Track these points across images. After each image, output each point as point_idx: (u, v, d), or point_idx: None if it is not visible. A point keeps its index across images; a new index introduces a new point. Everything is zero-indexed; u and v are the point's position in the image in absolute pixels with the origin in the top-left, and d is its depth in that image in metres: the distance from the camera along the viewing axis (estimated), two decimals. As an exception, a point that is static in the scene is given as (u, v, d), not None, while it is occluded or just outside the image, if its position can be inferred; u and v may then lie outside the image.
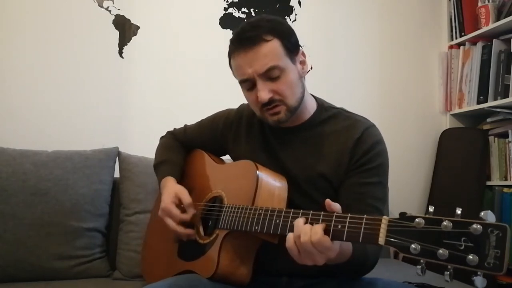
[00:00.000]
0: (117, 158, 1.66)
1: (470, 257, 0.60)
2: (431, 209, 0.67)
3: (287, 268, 1.03)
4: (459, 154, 2.11)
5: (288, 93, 1.01)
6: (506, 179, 1.97)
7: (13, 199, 1.46)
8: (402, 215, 0.69)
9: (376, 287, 0.98)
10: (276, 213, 0.91)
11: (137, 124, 1.90)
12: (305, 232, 0.79)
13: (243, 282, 1.02)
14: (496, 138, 2.03)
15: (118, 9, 1.91)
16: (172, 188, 1.17)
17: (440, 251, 0.62)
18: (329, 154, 1.05)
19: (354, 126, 1.06)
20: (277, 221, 0.89)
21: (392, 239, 0.69)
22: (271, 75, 0.99)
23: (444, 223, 0.63)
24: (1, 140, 1.62)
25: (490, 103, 2.01)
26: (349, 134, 1.05)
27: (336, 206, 0.82)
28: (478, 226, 0.60)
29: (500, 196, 1.95)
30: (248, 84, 1.02)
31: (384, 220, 0.72)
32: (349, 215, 0.78)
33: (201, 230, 1.12)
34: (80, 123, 1.84)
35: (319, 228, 0.78)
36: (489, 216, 0.61)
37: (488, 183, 2.02)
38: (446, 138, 2.20)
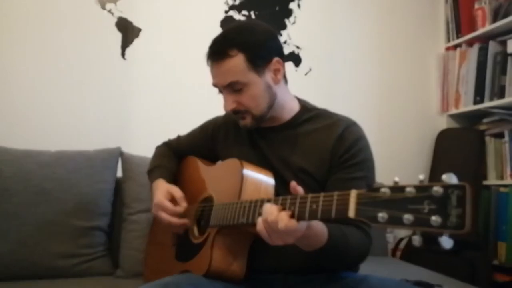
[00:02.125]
0: (119, 158, 1.68)
1: (433, 218, 0.60)
2: (396, 179, 0.69)
3: (283, 264, 1.06)
4: (456, 154, 2.12)
5: (252, 105, 1.07)
6: (502, 179, 1.98)
7: (16, 198, 1.47)
8: (369, 186, 0.72)
9: (371, 284, 0.98)
10: (259, 203, 0.92)
11: (139, 125, 1.91)
12: (271, 213, 0.82)
13: (237, 278, 1.03)
14: (492, 138, 2.04)
15: (121, 12, 1.93)
16: (163, 186, 1.20)
17: (406, 215, 0.63)
18: (310, 151, 1.09)
19: (335, 125, 1.09)
20: (260, 210, 0.89)
21: (361, 211, 0.71)
22: (234, 87, 1.05)
23: (408, 189, 0.64)
24: (4, 140, 1.63)
25: (486, 104, 2.03)
26: (330, 132, 1.08)
27: (300, 190, 0.85)
28: (440, 188, 0.61)
29: (496, 195, 1.96)
30: (218, 89, 1.10)
31: (353, 193, 0.74)
32: (322, 194, 0.80)
33: (195, 231, 1.14)
34: (83, 124, 1.86)
35: (284, 214, 0.81)
36: (452, 178, 0.62)
37: (485, 182, 2.03)
38: (443, 138, 2.22)
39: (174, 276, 1.03)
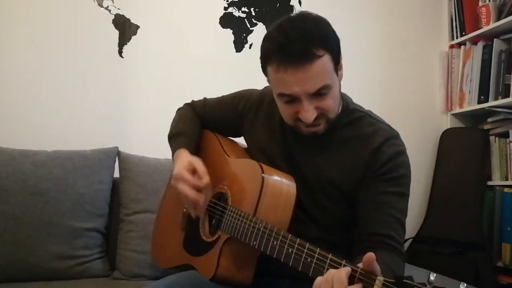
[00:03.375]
0: (116, 158, 1.66)
1: None
2: (432, 277, 0.60)
3: (290, 270, 1.03)
4: (460, 154, 2.11)
5: (332, 107, 0.96)
6: (506, 179, 1.96)
7: (12, 199, 1.46)
8: (398, 279, 0.63)
9: None
10: (274, 233, 0.89)
11: (137, 124, 1.89)
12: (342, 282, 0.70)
13: (244, 285, 1.01)
14: (496, 138, 2.02)
15: (118, 9, 1.91)
16: (186, 158, 1.11)
17: None
18: (344, 160, 1.01)
19: (376, 135, 1.00)
20: (275, 243, 0.88)
21: None
22: (319, 92, 0.92)
23: None
24: (0, 139, 1.62)
25: (491, 103, 2.01)
26: (368, 143, 0.99)
27: (376, 267, 0.69)
28: None
29: (500, 196, 1.94)
30: (288, 98, 0.94)
31: (378, 281, 0.65)
32: (344, 261, 0.73)
33: (206, 226, 1.10)
34: (79, 123, 1.84)
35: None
36: None
37: (489, 183, 2.01)
38: (446, 138, 2.20)
39: (178, 275, 1.01)
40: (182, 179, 1.05)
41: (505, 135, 2.00)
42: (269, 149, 1.08)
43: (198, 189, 1.04)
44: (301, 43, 0.88)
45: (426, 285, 0.59)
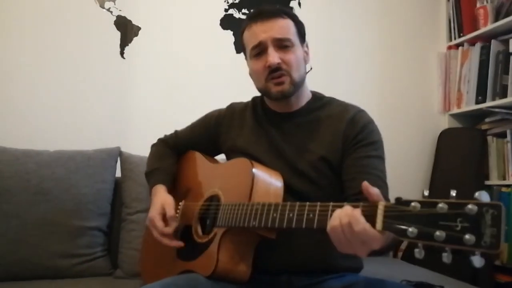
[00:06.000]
0: (118, 158, 1.67)
1: (467, 236, 0.59)
2: (426, 193, 0.68)
3: (287, 265, 1.05)
4: (458, 154, 2.11)
5: (294, 65, 1.09)
6: (504, 179, 1.97)
7: (15, 198, 1.47)
8: (398, 200, 0.70)
9: None
10: (273, 207, 0.92)
11: (139, 124, 1.91)
12: (345, 215, 0.74)
13: (242, 280, 1.02)
14: (494, 138, 2.03)
15: (120, 10, 1.92)
16: (159, 199, 1.18)
17: (437, 233, 0.62)
18: (324, 136, 1.10)
19: (346, 110, 1.12)
20: (274, 215, 0.90)
21: (389, 224, 0.69)
22: (283, 44, 1.08)
23: (440, 205, 0.63)
24: (3, 139, 1.63)
25: (489, 103, 2.02)
26: (342, 116, 1.10)
27: (375, 190, 0.76)
28: (474, 206, 0.60)
29: (498, 195, 1.95)
30: (258, 50, 1.10)
31: (381, 205, 0.71)
32: (345, 203, 0.78)
33: (199, 230, 1.12)
34: (82, 123, 1.85)
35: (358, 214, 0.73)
36: (483, 196, 0.61)
37: (487, 182, 2.02)
38: (444, 138, 2.21)
39: (174, 277, 1.02)
40: (153, 226, 1.13)
41: (502, 135, 2.01)
42: (251, 147, 1.14)
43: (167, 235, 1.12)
44: (271, 8, 1.12)
45: (423, 196, 0.68)
